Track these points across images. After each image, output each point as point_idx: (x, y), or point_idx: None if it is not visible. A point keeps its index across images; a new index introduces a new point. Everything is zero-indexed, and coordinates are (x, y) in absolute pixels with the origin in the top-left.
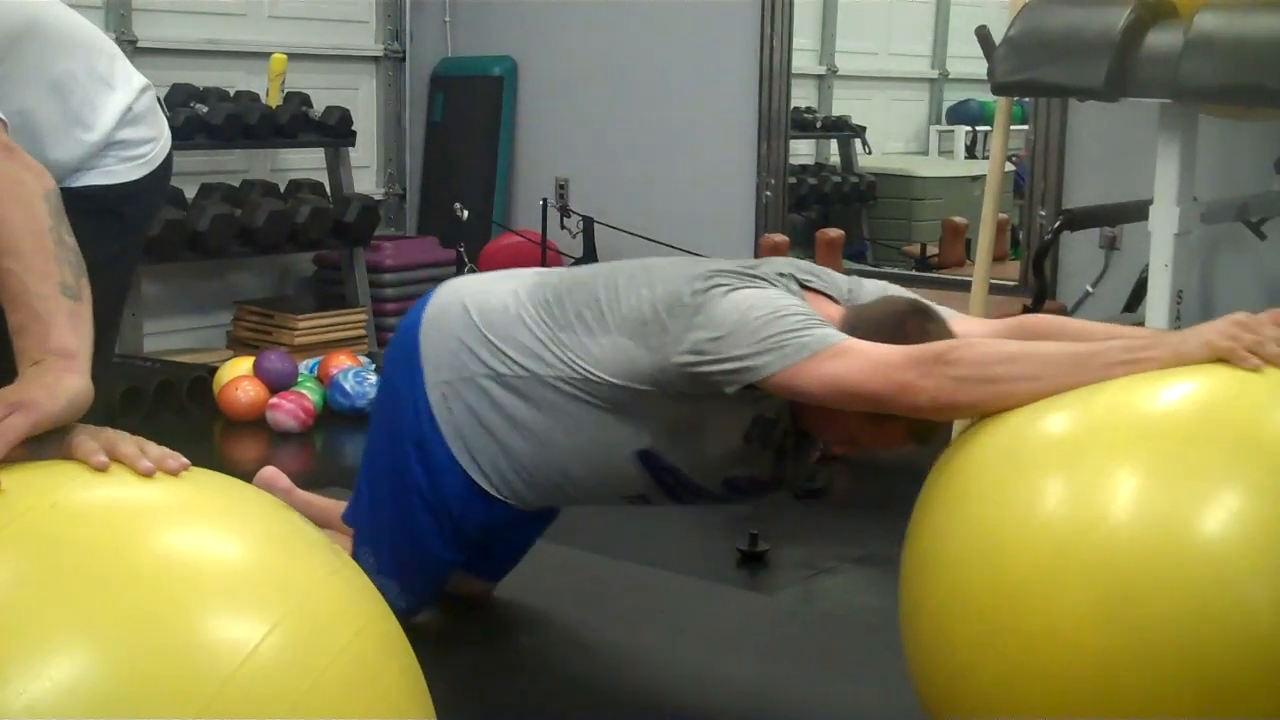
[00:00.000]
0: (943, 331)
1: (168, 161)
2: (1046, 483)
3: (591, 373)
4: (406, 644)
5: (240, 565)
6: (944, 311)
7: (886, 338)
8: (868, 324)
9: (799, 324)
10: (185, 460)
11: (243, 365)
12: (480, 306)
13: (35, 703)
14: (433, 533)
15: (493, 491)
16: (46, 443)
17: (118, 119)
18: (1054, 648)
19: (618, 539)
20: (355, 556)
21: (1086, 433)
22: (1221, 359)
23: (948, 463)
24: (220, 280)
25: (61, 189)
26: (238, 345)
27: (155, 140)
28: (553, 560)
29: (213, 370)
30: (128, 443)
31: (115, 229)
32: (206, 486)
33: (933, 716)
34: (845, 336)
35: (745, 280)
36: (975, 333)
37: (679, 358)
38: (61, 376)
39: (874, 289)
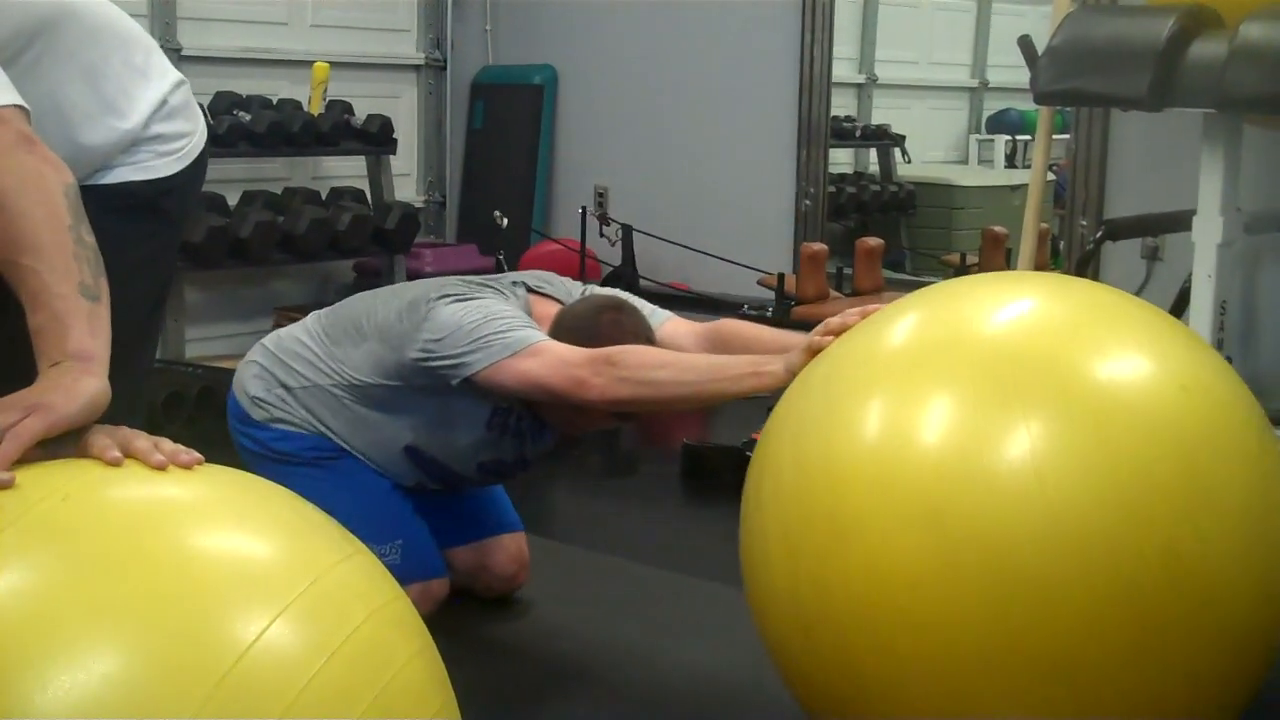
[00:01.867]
0: (636, 324)
1: (203, 156)
2: (861, 411)
3: (354, 377)
4: (422, 627)
5: (253, 550)
6: (659, 314)
7: (583, 331)
8: (570, 319)
9: (504, 326)
10: (198, 455)
11: None
12: (275, 340)
13: (53, 685)
14: (351, 467)
15: (336, 442)
16: (63, 444)
17: (153, 109)
18: (878, 572)
19: (656, 547)
20: None
21: (897, 362)
22: (816, 352)
23: (778, 408)
24: (262, 287)
25: (98, 185)
26: None
27: (190, 135)
28: (592, 567)
29: None
30: (141, 439)
31: (153, 225)
32: (220, 480)
33: (789, 682)
34: (544, 338)
35: (472, 290)
36: (678, 335)
37: (412, 353)
38: (79, 379)
39: (594, 293)
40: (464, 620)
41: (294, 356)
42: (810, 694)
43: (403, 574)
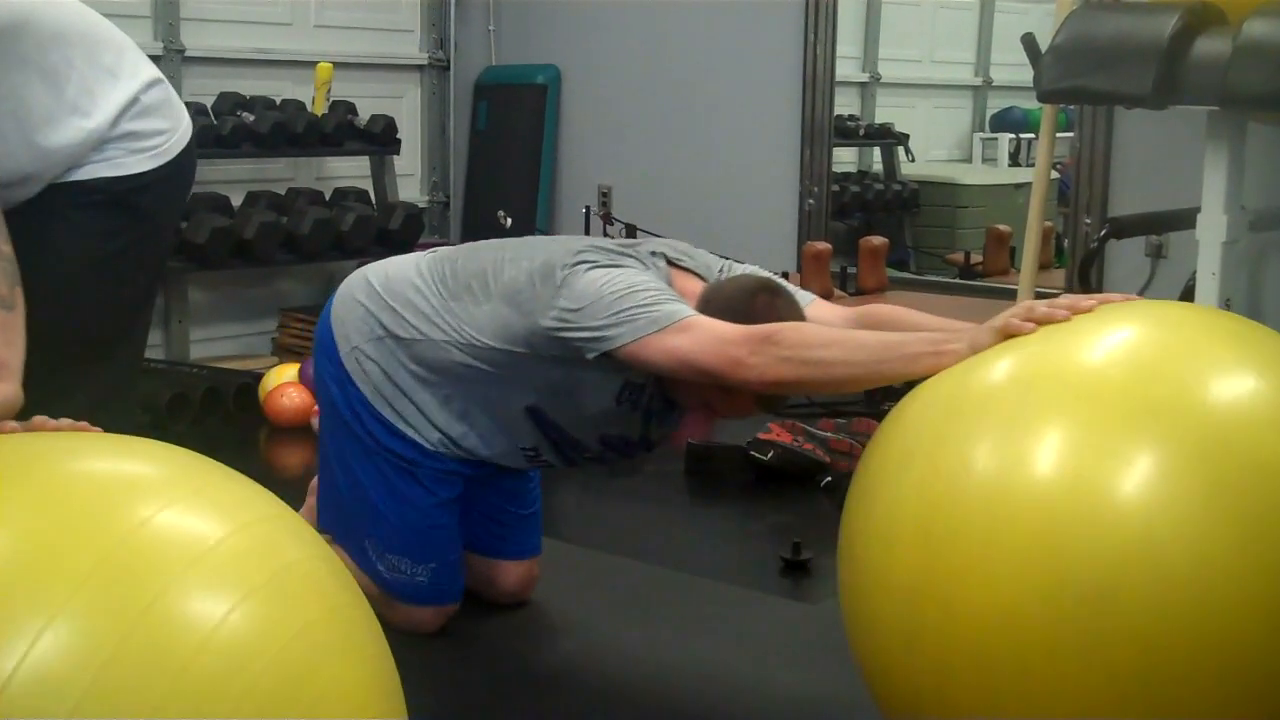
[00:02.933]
0: (790, 307)
1: (186, 154)
2: (975, 445)
3: (475, 338)
4: (379, 629)
5: (215, 541)
6: (804, 296)
7: (736, 312)
8: (720, 299)
9: (650, 299)
10: (96, 429)
11: (288, 372)
12: (382, 278)
13: (7, 671)
14: (403, 480)
15: (418, 439)
16: None
17: (120, 108)
18: (984, 610)
19: (660, 546)
20: (357, 554)
21: (1014, 394)
22: (1010, 336)
23: (880, 435)
24: (266, 287)
25: (69, 182)
26: (283, 352)
27: (169, 132)
28: (595, 567)
29: (258, 377)
30: (40, 417)
31: (126, 220)
32: (187, 466)
33: (877, 694)
34: (693, 313)
35: (611, 258)
36: (828, 318)
37: (546, 322)
38: None
39: (744, 271)
40: (468, 619)
41: (407, 305)
42: (906, 709)
43: (425, 596)
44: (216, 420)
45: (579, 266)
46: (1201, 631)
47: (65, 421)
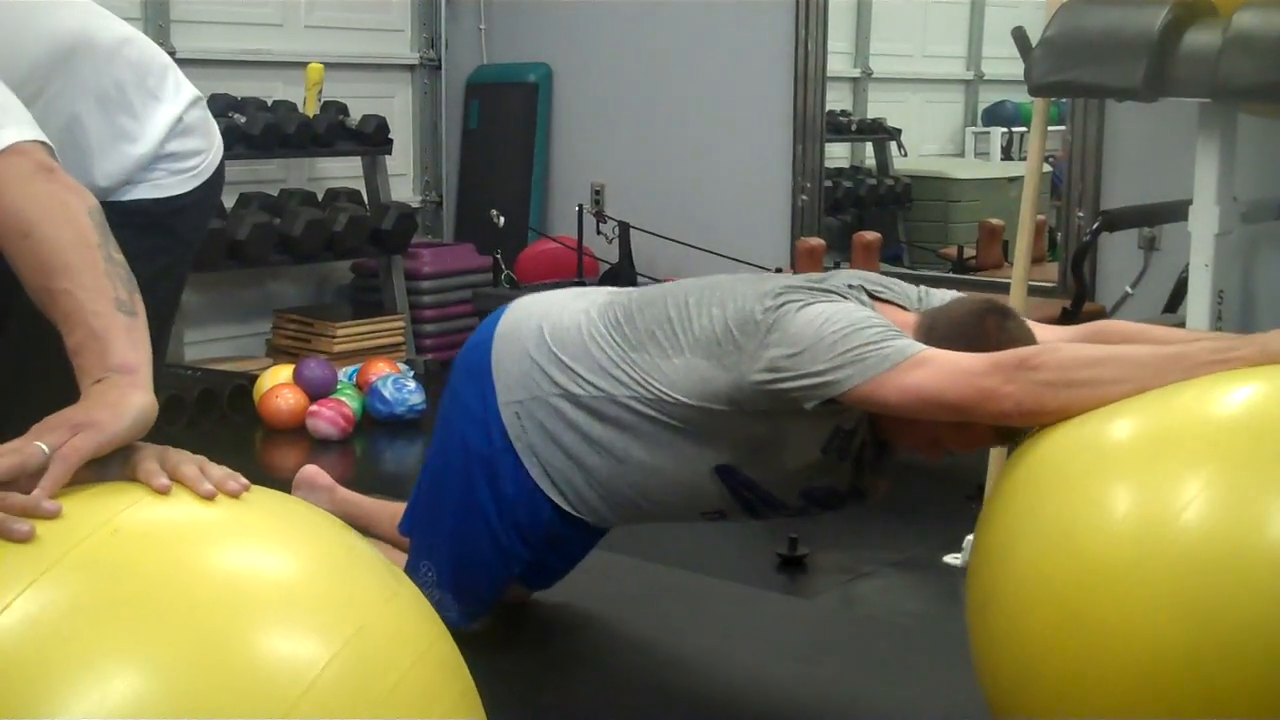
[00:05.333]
0: (1021, 330)
1: (219, 173)
2: (1127, 479)
3: (666, 393)
4: (464, 667)
5: (300, 591)
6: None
7: (966, 338)
8: (946, 326)
9: (878, 335)
10: (246, 481)
11: (283, 373)
12: (553, 326)
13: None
14: (494, 551)
15: (569, 509)
16: (110, 463)
17: (165, 132)
18: (1128, 639)
19: (658, 544)
20: (411, 568)
21: (1167, 431)
22: None
23: (1023, 457)
24: (259, 289)
25: (111, 203)
26: (277, 353)
27: (205, 152)
28: (594, 565)
29: (253, 378)
30: (189, 464)
31: (165, 242)
32: (266, 508)
33: (1000, 712)
34: (924, 346)
35: (817, 295)
36: (1052, 339)
37: (756, 375)
38: (126, 393)
39: (943, 298)
40: (493, 631)
41: (581, 359)
42: None
43: (448, 623)
44: (211, 422)
45: (787, 307)
46: None
47: (215, 475)
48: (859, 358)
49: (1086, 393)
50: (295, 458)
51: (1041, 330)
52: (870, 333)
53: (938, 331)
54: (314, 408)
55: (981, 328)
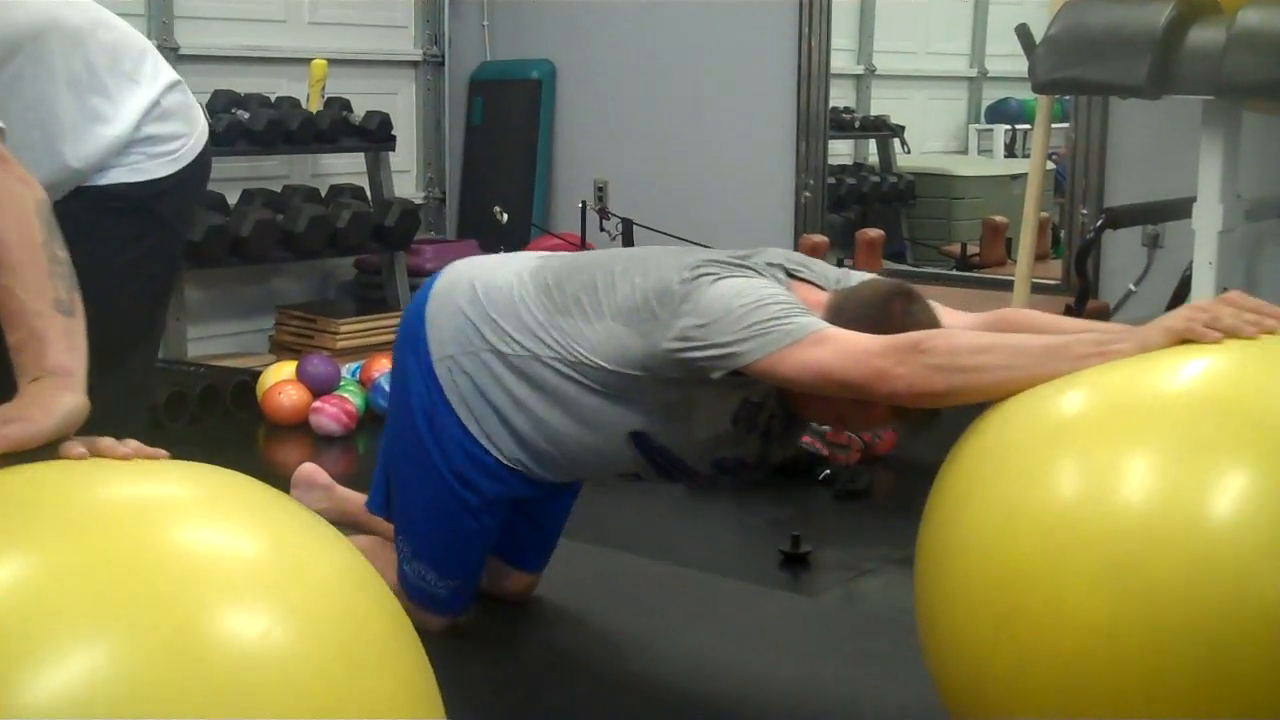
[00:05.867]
0: (926, 314)
1: (203, 158)
2: (1054, 463)
3: (586, 357)
4: (417, 641)
5: (250, 560)
6: (936, 306)
7: (871, 319)
8: (854, 307)
9: (782, 312)
10: (164, 452)
11: (285, 369)
12: (486, 285)
13: (49, 694)
14: (454, 504)
15: (499, 458)
16: (37, 459)
17: (141, 115)
18: (1061, 624)
19: (660, 541)
20: (397, 550)
21: (1095, 414)
22: (1185, 341)
23: (958, 452)
24: (262, 285)
25: (89, 187)
26: (280, 350)
27: (186, 136)
28: (594, 562)
29: (256, 375)
30: (107, 439)
31: (146, 226)
32: (218, 483)
33: (954, 710)
34: (827, 325)
35: (732, 270)
36: (960, 325)
37: (668, 343)
38: (58, 395)
39: (861, 280)
40: (467, 614)
41: (509, 317)
42: None
43: (440, 606)
44: (214, 418)
45: (701, 280)
46: None
47: (131, 444)
48: (763, 332)
49: (972, 378)
50: (298, 454)
51: (948, 315)
52: (776, 309)
53: (846, 312)
54: (317, 404)
55: (886, 310)
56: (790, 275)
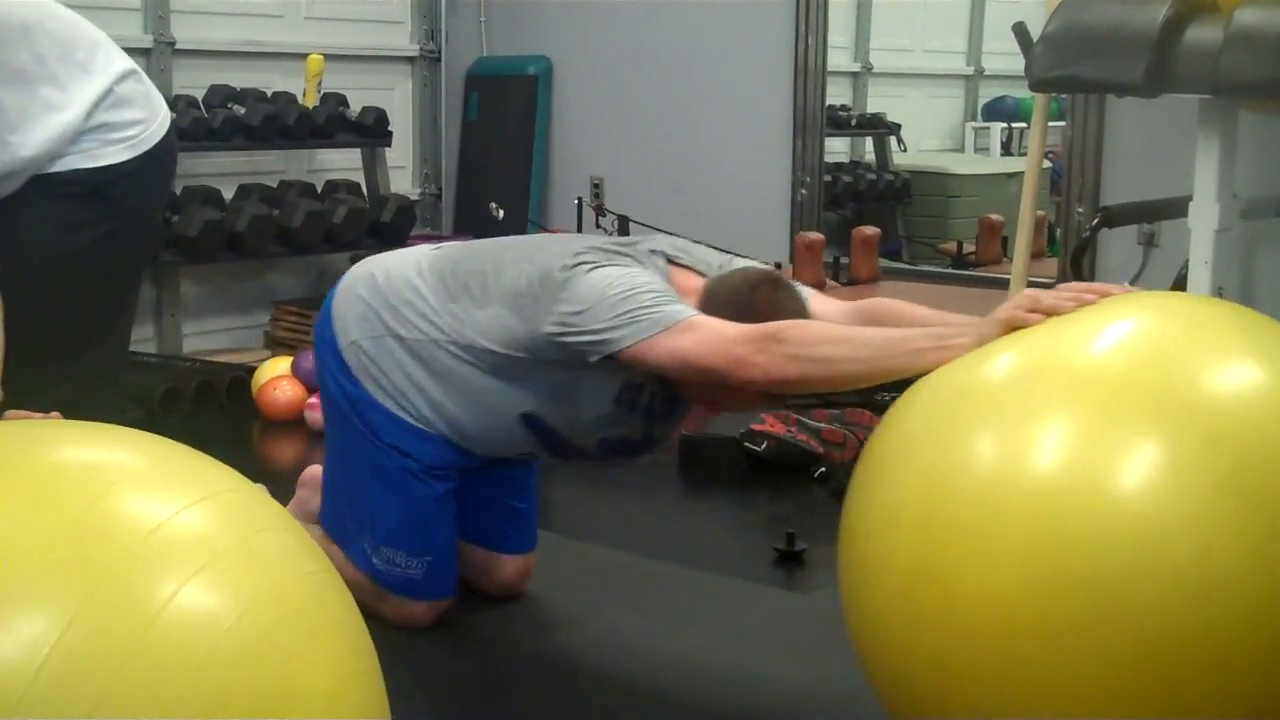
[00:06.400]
0: (792, 300)
1: (166, 144)
2: (979, 436)
3: (475, 340)
4: (347, 595)
5: (173, 513)
6: (804, 291)
7: (738, 305)
8: (724, 294)
9: (652, 300)
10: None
11: (281, 365)
12: (385, 273)
13: None
14: (399, 472)
15: (424, 426)
16: None
17: (93, 102)
18: (982, 600)
19: (654, 538)
20: (354, 555)
21: (1031, 378)
22: (1015, 328)
23: (886, 424)
24: (258, 280)
25: (46, 175)
26: (276, 345)
27: (145, 122)
28: (589, 559)
29: (251, 370)
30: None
31: (104, 210)
32: (150, 447)
33: (876, 682)
34: (695, 313)
35: (611, 259)
36: (828, 313)
37: (547, 327)
38: None
39: (745, 266)
40: (461, 611)
41: (406, 303)
42: (910, 702)
43: (419, 590)
44: (209, 414)
45: (579, 268)
46: (1201, 625)
47: (36, 414)
48: (633, 319)
49: (822, 367)
50: (293, 450)
51: (819, 303)
52: (646, 297)
53: (716, 298)
54: (312, 400)
55: (752, 297)
56: (671, 261)
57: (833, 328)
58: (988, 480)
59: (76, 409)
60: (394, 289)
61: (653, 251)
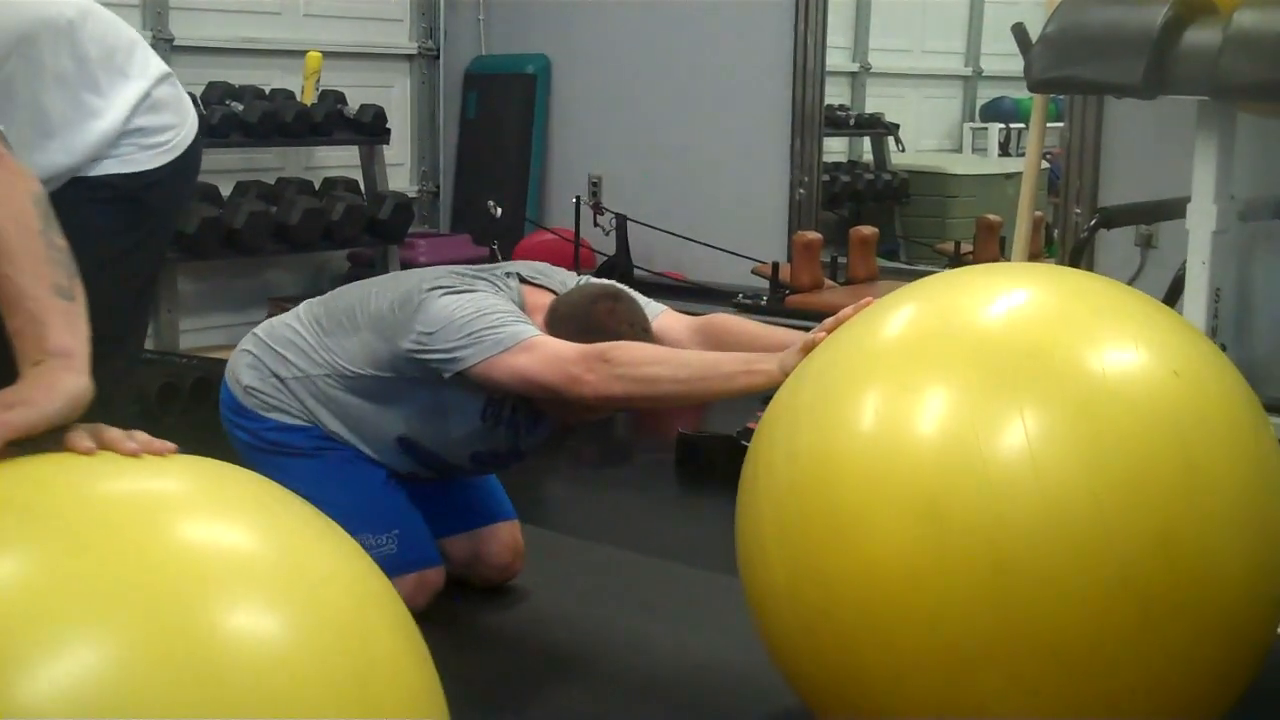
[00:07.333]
0: (632, 313)
1: (194, 149)
2: (856, 404)
3: (346, 367)
4: (418, 635)
5: (253, 556)
6: (654, 307)
7: (579, 319)
8: (565, 308)
9: (497, 321)
10: (172, 445)
11: None
12: (268, 329)
13: (48, 694)
14: (335, 461)
15: (329, 434)
16: (42, 444)
17: (132, 108)
18: (870, 562)
19: (650, 536)
20: None
21: (917, 343)
22: (808, 351)
23: (776, 398)
24: (256, 277)
25: (81, 178)
26: None
27: (177, 127)
28: (586, 557)
29: None
30: (115, 431)
31: (137, 217)
32: (202, 470)
33: (792, 679)
34: (537, 332)
35: (466, 282)
36: (671, 329)
37: (406, 344)
38: (61, 376)
39: (589, 281)
40: (459, 610)
41: (286, 345)
42: (814, 691)
43: (399, 564)
44: (206, 410)
45: (434, 292)
46: (1097, 569)
47: (139, 437)
48: (478, 339)
49: (645, 387)
50: None
51: (668, 319)
52: (491, 318)
53: (558, 314)
54: None
55: (590, 311)
56: (525, 282)
57: (658, 350)
58: (875, 447)
59: (100, 410)
60: (275, 337)
61: (508, 274)
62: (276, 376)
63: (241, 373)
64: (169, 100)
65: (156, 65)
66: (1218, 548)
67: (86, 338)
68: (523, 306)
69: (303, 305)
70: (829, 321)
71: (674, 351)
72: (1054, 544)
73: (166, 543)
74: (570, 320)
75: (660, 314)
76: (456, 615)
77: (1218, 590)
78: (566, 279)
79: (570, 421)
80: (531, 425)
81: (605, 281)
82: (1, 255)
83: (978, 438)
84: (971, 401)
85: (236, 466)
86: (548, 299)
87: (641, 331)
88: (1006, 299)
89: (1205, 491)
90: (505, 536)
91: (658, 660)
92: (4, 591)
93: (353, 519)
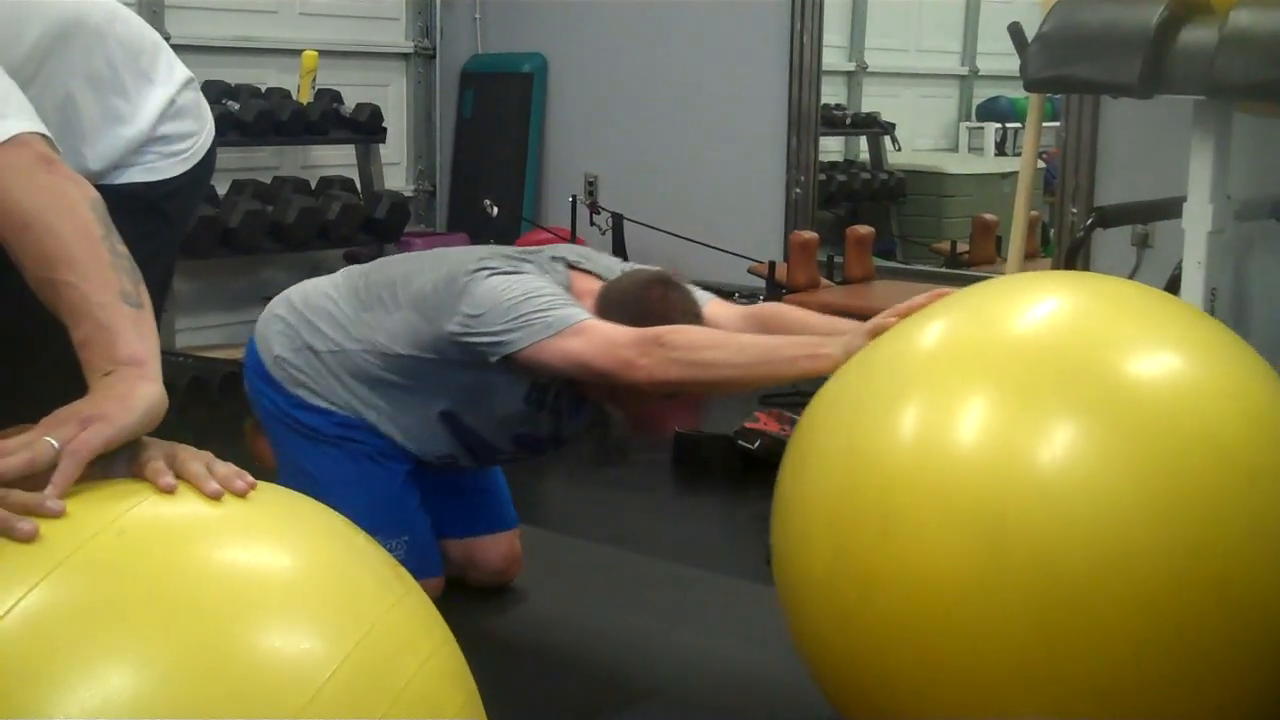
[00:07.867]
0: (684, 300)
1: (210, 155)
2: (918, 409)
3: (387, 346)
4: (468, 673)
5: (307, 594)
6: (702, 295)
7: (631, 305)
8: (616, 293)
9: (546, 305)
10: (252, 480)
11: None
12: (302, 294)
13: (89, 716)
14: (350, 459)
15: (355, 418)
16: (118, 458)
17: (158, 114)
18: (919, 569)
19: (647, 535)
20: None
21: (953, 354)
22: (875, 335)
23: (812, 406)
24: (251, 276)
25: (104, 186)
26: None
27: (197, 135)
28: (584, 557)
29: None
30: (196, 462)
31: (155, 226)
32: (274, 508)
33: (817, 674)
34: (588, 316)
35: (511, 264)
36: (723, 317)
37: (450, 327)
38: (134, 385)
39: (639, 268)
40: (456, 610)
41: (323, 316)
42: (838, 688)
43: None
44: (202, 409)
45: (479, 273)
46: (1149, 605)
47: (219, 471)
48: (527, 323)
49: (702, 371)
50: None
51: (716, 308)
52: (540, 301)
53: (609, 300)
54: None
55: (643, 297)
56: (571, 267)
57: (715, 333)
58: (934, 456)
59: None
60: (310, 305)
61: (554, 258)
62: (310, 349)
63: (273, 339)
64: (191, 107)
65: (181, 71)
66: (1273, 596)
67: (157, 345)
68: (569, 291)
69: (341, 273)
70: (901, 307)
71: (731, 335)
72: (1113, 587)
73: (214, 571)
74: (622, 305)
75: (709, 302)
76: (452, 615)
77: (1270, 638)
78: (612, 265)
79: (618, 410)
80: (574, 412)
81: (654, 268)
82: (64, 263)
83: (1052, 462)
84: (1048, 425)
85: (289, 491)
86: (594, 284)
87: (694, 318)
88: (1078, 311)
89: (1267, 538)
90: (504, 545)
91: (653, 659)
92: (49, 618)
93: (366, 520)
